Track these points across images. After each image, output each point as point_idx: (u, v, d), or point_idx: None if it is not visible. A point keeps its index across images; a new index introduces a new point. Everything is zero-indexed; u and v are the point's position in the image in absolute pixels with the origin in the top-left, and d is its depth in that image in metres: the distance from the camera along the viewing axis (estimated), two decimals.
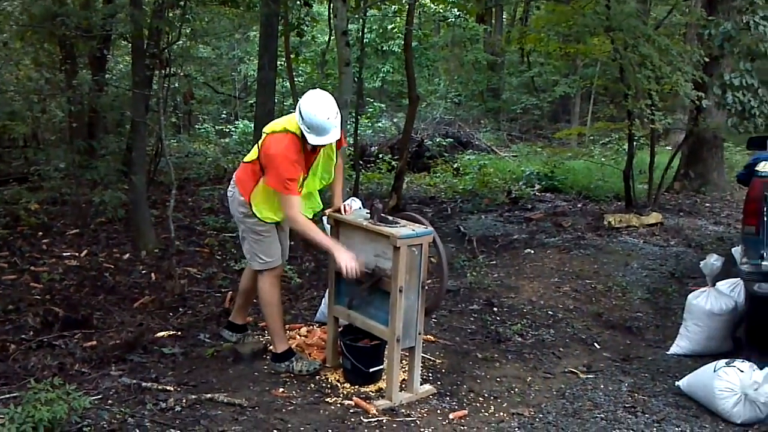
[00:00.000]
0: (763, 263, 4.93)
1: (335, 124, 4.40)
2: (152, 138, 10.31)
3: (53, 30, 8.08)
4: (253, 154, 4.69)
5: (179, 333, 5.45)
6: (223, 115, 19.37)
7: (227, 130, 17.49)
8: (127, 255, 7.42)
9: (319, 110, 4.32)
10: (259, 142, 4.65)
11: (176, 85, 12.96)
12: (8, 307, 5.75)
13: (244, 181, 4.67)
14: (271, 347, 4.95)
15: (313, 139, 4.38)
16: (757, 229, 4.94)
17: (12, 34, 9.16)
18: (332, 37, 11.34)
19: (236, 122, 17.94)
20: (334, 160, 4.78)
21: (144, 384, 4.43)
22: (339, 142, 4.71)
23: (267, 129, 4.62)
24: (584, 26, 10.55)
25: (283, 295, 6.35)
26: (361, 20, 12.33)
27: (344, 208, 4.74)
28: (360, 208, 4.88)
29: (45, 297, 6.05)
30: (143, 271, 6.98)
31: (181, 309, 6.04)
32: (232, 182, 4.80)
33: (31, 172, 9.49)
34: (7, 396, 4.14)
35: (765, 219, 5.01)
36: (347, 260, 4.36)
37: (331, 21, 10.14)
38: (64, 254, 7.34)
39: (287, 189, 4.37)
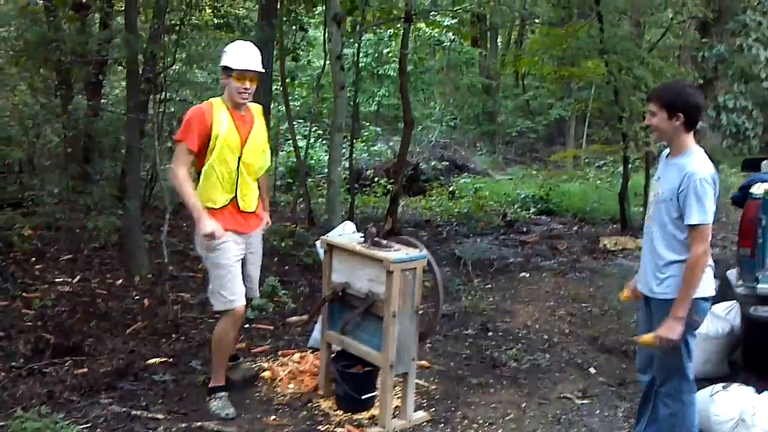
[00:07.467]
0: (759, 286, 4.90)
1: (255, 53, 4.51)
2: (148, 163, 10.29)
3: (48, 56, 8.10)
4: None
5: (171, 360, 5.39)
6: None
7: None
8: (120, 281, 7.36)
9: (236, 43, 4.54)
10: None
11: (173, 109, 12.97)
12: None
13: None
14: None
15: (236, 62, 4.42)
16: (753, 251, 4.91)
17: (7, 59, 9.16)
18: (328, 62, 11.36)
19: None
20: (266, 137, 4.77)
21: (134, 412, 4.37)
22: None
23: None
24: (578, 49, 10.64)
25: (276, 320, 6.35)
26: (356, 44, 12.39)
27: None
28: (354, 231, 4.86)
29: (36, 323, 5.98)
30: (136, 297, 6.92)
31: (173, 335, 5.97)
32: None
33: (25, 198, 9.44)
34: None
35: (760, 241, 4.98)
36: (212, 226, 4.30)
37: (326, 45, 10.16)
38: (57, 280, 7.28)
39: (182, 135, 4.40)
